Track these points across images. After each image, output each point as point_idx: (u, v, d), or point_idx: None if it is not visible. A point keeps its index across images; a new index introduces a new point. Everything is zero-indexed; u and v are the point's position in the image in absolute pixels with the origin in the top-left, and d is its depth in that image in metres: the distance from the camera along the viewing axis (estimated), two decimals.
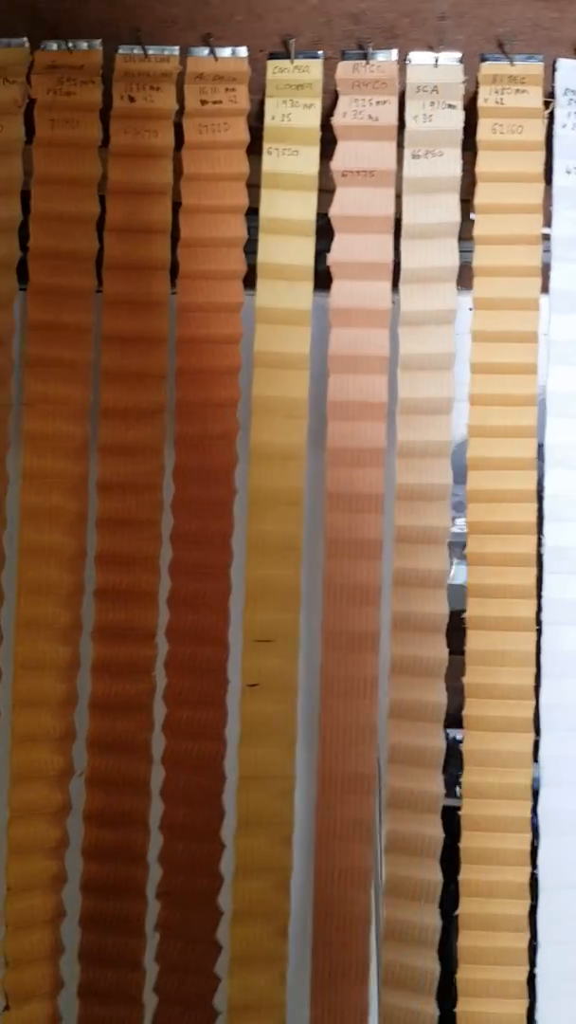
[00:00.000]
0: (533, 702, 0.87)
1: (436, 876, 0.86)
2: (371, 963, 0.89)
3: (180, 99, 0.93)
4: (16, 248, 0.92)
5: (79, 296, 0.92)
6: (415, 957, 0.86)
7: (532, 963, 0.86)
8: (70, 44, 0.93)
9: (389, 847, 0.88)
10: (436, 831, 0.86)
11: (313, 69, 0.92)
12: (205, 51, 0.93)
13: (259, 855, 0.88)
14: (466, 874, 0.86)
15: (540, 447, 0.88)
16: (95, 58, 0.93)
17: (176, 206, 0.92)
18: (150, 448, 0.91)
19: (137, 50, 0.93)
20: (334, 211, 0.91)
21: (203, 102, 0.93)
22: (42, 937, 0.90)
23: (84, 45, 0.93)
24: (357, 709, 0.89)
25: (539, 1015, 0.85)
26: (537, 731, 0.87)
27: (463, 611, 0.88)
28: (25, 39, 0.93)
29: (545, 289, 0.90)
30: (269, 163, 0.92)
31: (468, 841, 0.86)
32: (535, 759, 0.87)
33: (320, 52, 0.92)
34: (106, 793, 0.89)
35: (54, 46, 0.93)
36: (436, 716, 0.87)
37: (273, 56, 0.92)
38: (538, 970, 0.85)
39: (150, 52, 0.93)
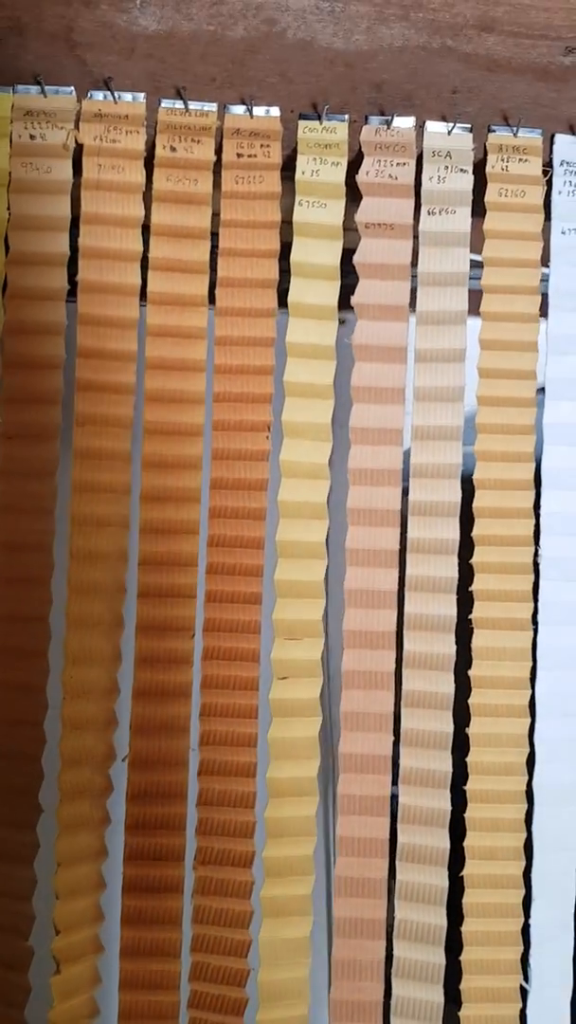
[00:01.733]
0: (529, 691, 0.99)
1: (445, 843, 0.98)
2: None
3: (218, 151, 1.01)
4: (65, 281, 1.00)
5: (123, 327, 1.00)
6: (427, 914, 0.98)
7: (527, 913, 0.99)
8: (116, 95, 1.00)
9: (403, 818, 0.99)
10: (446, 804, 0.98)
11: (340, 130, 1.02)
12: (242, 109, 1.01)
13: (288, 824, 0.98)
14: (471, 840, 0.98)
15: (537, 470, 1.01)
16: (139, 109, 1.01)
17: (214, 248, 1.01)
18: (190, 464, 1.00)
19: (179, 104, 1.01)
20: (358, 259, 1.01)
21: (239, 155, 1.02)
22: (87, 906, 0.99)
23: (129, 97, 1.01)
24: (376, 699, 1.00)
25: (532, 959, 0.98)
26: (533, 716, 0.99)
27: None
28: (72, 88, 1.00)
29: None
30: (299, 213, 1.01)
31: (473, 812, 0.99)
32: (531, 740, 0.99)
33: (346, 115, 1.02)
34: (147, 773, 0.98)
35: (100, 96, 1.01)
36: (446, 704, 0.99)
37: (303, 117, 1.02)
38: (532, 920, 0.98)
39: (191, 107, 1.01)
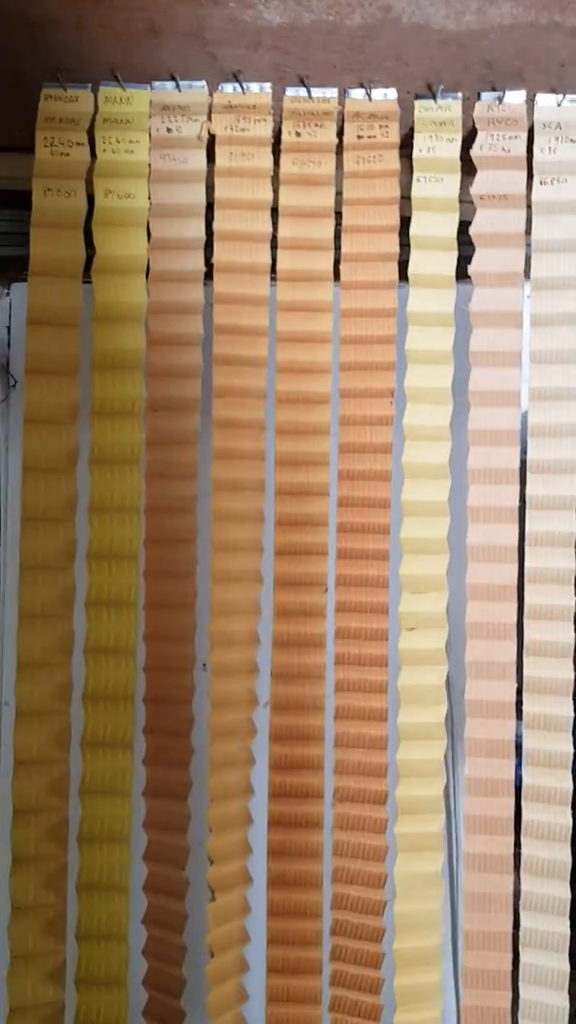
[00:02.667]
0: None
1: (568, 783, 1.03)
2: None
3: (339, 134, 1.07)
4: (202, 264, 1.07)
5: (256, 304, 1.06)
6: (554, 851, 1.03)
7: None
8: (244, 87, 1.07)
9: (528, 760, 1.04)
10: (568, 747, 1.03)
11: (454, 108, 1.06)
12: (361, 93, 1.07)
13: (420, 766, 1.04)
14: None
15: None
16: (266, 99, 1.07)
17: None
18: (320, 430, 1.06)
19: (302, 92, 1.07)
20: (474, 229, 1.05)
21: (359, 137, 1.07)
22: (236, 839, 1.06)
23: (256, 88, 1.07)
24: (498, 649, 1.05)
25: None
26: None
27: None
28: (204, 82, 1.07)
29: None
30: (418, 189, 1.06)
31: None
32: None
33: (459, 94, 1.06)
34: (287, 718, 1.05)
35: (230, 88, 1.07)
36: (566, 652, 1.03)
37: (419, 97, 1.07)
38: None
39: (313, 94, 1.07)
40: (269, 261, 1.06)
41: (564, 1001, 1.02)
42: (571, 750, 1.03)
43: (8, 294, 1.36)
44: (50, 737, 1.04)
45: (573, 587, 1.04)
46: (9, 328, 1.34)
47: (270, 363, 1.06)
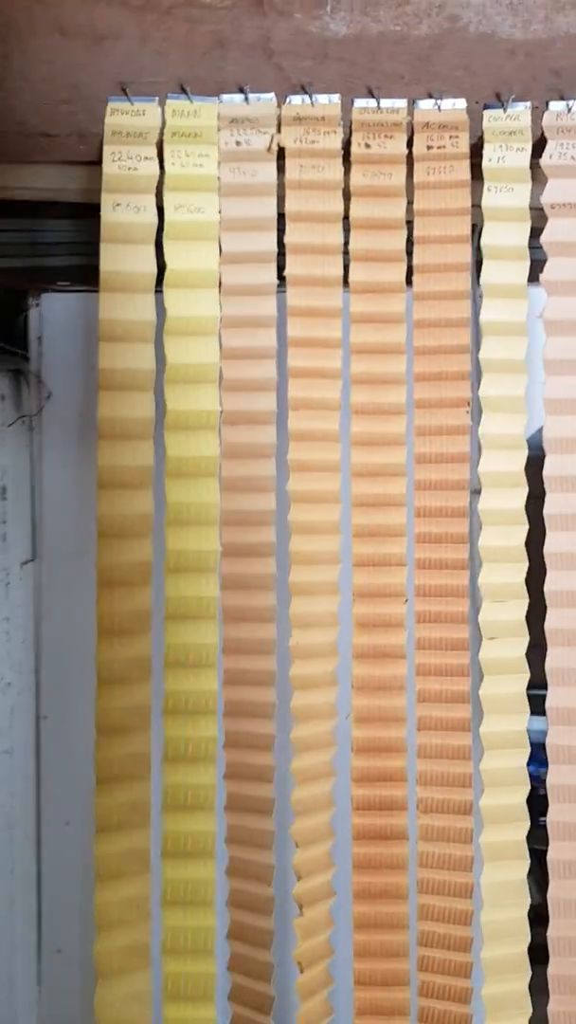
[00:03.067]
0: None
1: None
2: None
3: (409, 144, 1.07)
4: (275, 276, 1.06)
5: (329, 316, 1.06)
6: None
7: None
8: (312, 98, 1.06)
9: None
10: None
11: (523, 118, 1.06)
12: (430, 103, 1.07)
13: (503, 775, 1.04)
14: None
15: None
16: (335, 111, 1.06)
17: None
18: (395, 441, 1.06)
19: (371, 103, 1.07)
20: (546, 238, 1.06)
21: (429, 147, 1.07)
22: (320, 853, 1.06)
23: (324, 99, 1.07)
24: None
25: None
26: None
27: None
28: (272, 94, 1.06)
29: None
30: (488, 198, 1.06)
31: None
32: None
33: (528, 103, 1.06)
34: (369, 730, 1.05)
35: (298, 100, 1.07)
36: None
37: (488, 106, 1.07)
38: None
39: (382, 105, 1.07)
40: (341, 273, 1.06)
41: None
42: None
43: (39, 304, 1.35)
44: (130, 753, 1.03)
45: None
46: (40, 339, 1.33)
47: (344, 375, 1.06)
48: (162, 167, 1.06)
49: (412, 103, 1.07)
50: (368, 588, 1.05)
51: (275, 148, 1.06)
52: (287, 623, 1.03)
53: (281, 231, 1.06)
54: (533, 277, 1.06)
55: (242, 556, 1.05)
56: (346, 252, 1.06)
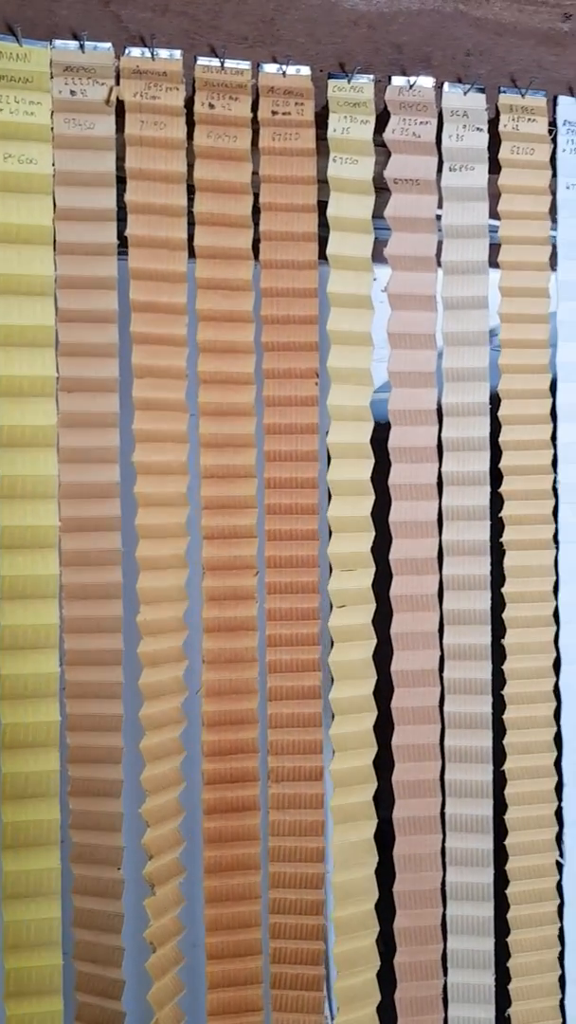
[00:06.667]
0: (554, 603, 1.08)
1: (488, 742, 1.06)
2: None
3: (254, 108, 1.02)
4: (115, 237, 0.99)
5: (174, 280, 1.00)
6: (475, 807, 1.06)
7: (559, 797, 1.09)
8: (153, 52, 1.00)
9: (450, 724, 1.07)
10: (487, 709, 1.06)
11: (367, 90, 1.04)
12: (275, 67, 1.03)
13: (352, 739, 1.04)
14: (510, 738, 1.07)
15: (554, 406, 1.09)
16: (176, 66, 1.00)
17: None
18: (244, 411, 1.02)
19: (215, 62, 1.01)
20: (389, 212, 1.05)
21: (274, 112, 1.03)
22: (171, 831, 1.02)
23: (165, 54, 1.00)
24: (422, 619, 1.06)
25: (566, 837, 1.09)
26: (557, 624, 1.09)
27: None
28: (110, 44, 0.99)
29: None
30: (334, 169, 1.04)
31: (511, 712, 1.07)
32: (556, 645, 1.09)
33: (371, 75, 1.05)
34: (220, 703, 1.02)
35: (137, 53, 1.00)
36: (484, 619, 1.07)
37: (332, 76, 1.04)
38: (564, 803, 1.08)
39: (226, 65, 1.01)
40: (185, 236, 1.00)
41: (489, 945, 1.07)
42: (489, 710, 1.07)
43: None
44: None
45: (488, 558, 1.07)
46: None
47: (190, 342, 1.01)
48: None
49: (257, 66, 1.02)
50: (218, 560, 1.01)
51: (114, 100, 0.98)
52: (133, 599, 0.98)
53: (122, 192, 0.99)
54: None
55: (85, 531, 0.98)
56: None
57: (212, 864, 1.02)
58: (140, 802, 0.97)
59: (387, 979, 1.06)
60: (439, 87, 1.06)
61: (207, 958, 1.02)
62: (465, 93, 1.06)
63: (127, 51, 0.99)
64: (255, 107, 1.02)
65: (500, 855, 1.07)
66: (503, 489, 1.08)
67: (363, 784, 1.05)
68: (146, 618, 0.98)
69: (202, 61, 1.01)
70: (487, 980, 1.06)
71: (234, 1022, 1.02)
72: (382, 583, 1.06)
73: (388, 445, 1.05)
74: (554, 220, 1.09)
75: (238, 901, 1.02)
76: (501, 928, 1.07)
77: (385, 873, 1.06)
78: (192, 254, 1.01)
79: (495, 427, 1.07)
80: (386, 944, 1.06)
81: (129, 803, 0.99)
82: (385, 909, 1.06)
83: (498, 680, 1.08)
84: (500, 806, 1.08)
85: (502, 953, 1.08)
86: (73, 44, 0.97)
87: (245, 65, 1.02)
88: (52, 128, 0.97)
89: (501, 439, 1.07)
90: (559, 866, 1.09)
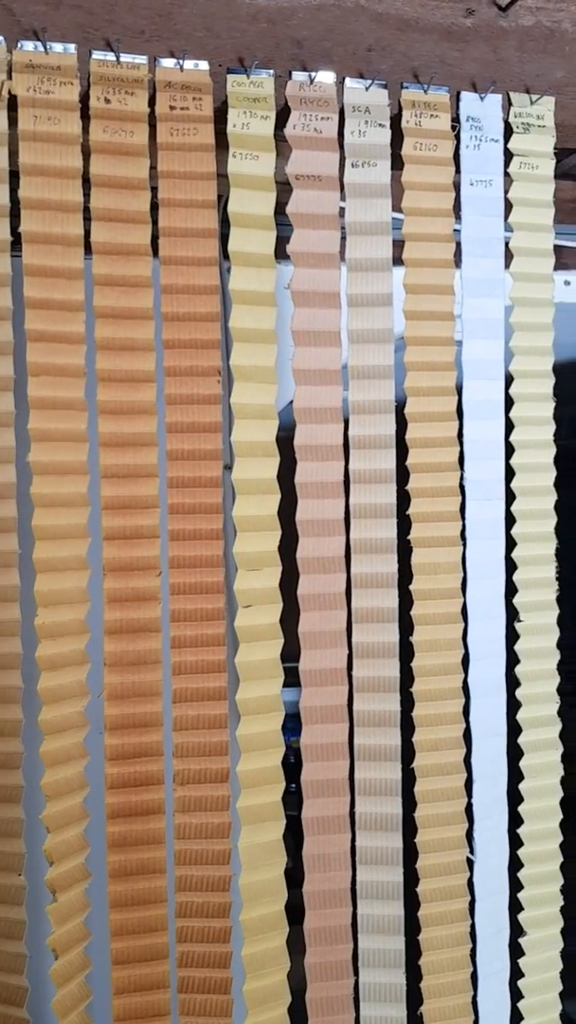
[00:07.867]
0: (462, 600, 1.08)
1: (397, 740, 1.05)
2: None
3: (151, 103, 1.01)
4: (8, 233, 0.97)
5: (70, 277, 0.98)
6: (384, 805, 1.05)
7: (469, 794, 1.08)
8: (47, 46, 0.97)
9: (359, 722, 1.06)
10: (396, 707, 1.06)
11: (266, 85, 1.03)
12: (172, 62, 1.01)
13: (259, 740, 1.03)
14: (419, 735, 1.07)
15: (459, 403, 1.08)
16: (71, 60, 0.98)
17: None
18: (145, 410, 1.00)
19: (110, 56, 0.99)
20: (291, 209, 1.03)
21: (172, 107, 1.01)
22: (74, 837, 1.00)
23: (59, 48, 0.98)
24: (329, 618, 1.05)
25: (475, 833, 1.08)
26: (465, 620, 1.08)
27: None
28: (2, 38, 0.96)
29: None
30: (234, 165, 1.02)
31: (420, 710, 1.07)
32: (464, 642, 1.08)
33: (271, 71, 1.03)
34: (123, 706, 1.00)
35: (30, 47, 0.97)
36: (392, 617, 1.06)
37: (231, 71, 1.02)
38: (473, 800, 1.08)
39: (122, 59, 0.99)
40: (82, 232, 0.98)
41: (399, 944, 1.06)
42: (397, 707, 1.06)
43: None
44: None
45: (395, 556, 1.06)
46: None
47: (88, 340, 0.99)
48: None
49: (153, 60, 1.01)
50: (119, 562, 1.00)
51: (6, 95, 0.96)
52: (31, 602, 0.96)
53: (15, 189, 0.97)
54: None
55: None
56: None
57: (116, 868, 1.00)
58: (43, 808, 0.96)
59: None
60: (340, 82, 1.05)
61: (112, 963, 1.00)
62: (367, 89, 1.05)
63: (20, 45, 0.97)
64: (152, 102, 1.01)
65: (410, 853, 1.07)
66: (410, 487, 1.07)
67: (271, 784, 1.04)
68: (44, 621, 0.96)
69: (97, 55, 0.99)
70: (398, 979, 1.06)
71: None
72: (289, 582, 1.04)
73: (294, 443, 1.04)
74: (458, 217, 1.09)
75: (143, 905, 1.01)
76: (412, 926, 1.07)
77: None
78: (89, 251, 0.99)
79: (401, 425, 1.06)
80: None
81: (33, 809, 0.97)
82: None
83: (407, 678, 1.07)
84: (410, 803, 1.07)
85: (413, 951, 1.07)
86: None
87: (142, 59, 1.00)
88: None
89: (407, 436, 1.07)
90: (469, 863, 1.09)
